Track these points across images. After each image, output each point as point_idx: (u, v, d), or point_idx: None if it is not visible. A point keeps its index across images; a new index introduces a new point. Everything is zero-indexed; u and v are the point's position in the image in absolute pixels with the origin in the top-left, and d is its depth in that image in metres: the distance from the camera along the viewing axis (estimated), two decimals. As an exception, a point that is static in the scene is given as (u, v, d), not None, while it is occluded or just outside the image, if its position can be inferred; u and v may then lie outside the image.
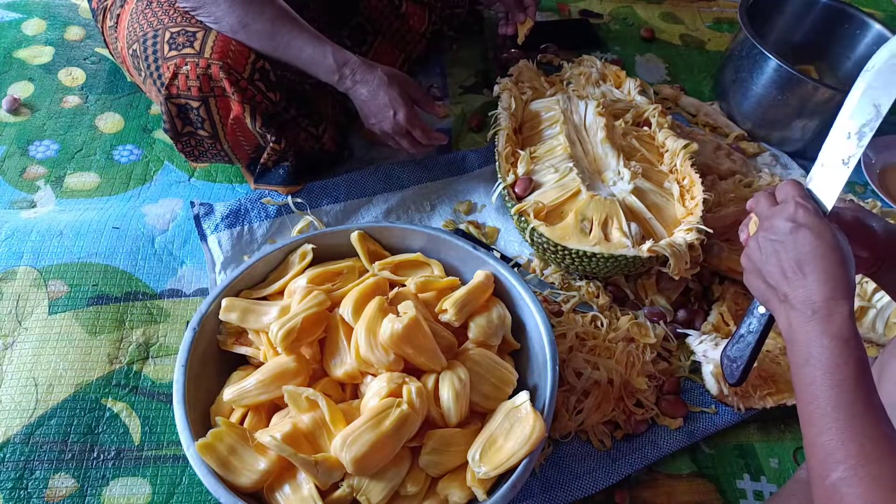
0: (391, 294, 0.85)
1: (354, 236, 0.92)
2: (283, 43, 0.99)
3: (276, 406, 0.82)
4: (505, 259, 1.11)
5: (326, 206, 1.15)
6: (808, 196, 0.71)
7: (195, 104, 0.99)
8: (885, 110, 0.71)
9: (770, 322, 0.74)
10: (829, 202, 0.72)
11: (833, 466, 0.56)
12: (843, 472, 0.55)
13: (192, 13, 0.99)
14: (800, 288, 0.65)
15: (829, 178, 0.72)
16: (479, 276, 0.89)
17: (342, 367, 0.81)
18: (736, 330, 0.79)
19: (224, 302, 0.83)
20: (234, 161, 1.13)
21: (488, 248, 1.13)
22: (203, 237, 1.09)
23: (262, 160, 1.11)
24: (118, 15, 1.09)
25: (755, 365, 0.93)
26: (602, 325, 1.03)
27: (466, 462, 0.75)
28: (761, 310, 0.75)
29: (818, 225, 0.67)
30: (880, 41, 1.39)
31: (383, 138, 1.13)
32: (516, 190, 1.08)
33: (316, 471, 0.71)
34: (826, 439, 0.58)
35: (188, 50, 0.96)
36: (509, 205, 1.07)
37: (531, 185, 1.08)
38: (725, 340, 0.98)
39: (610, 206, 1.02)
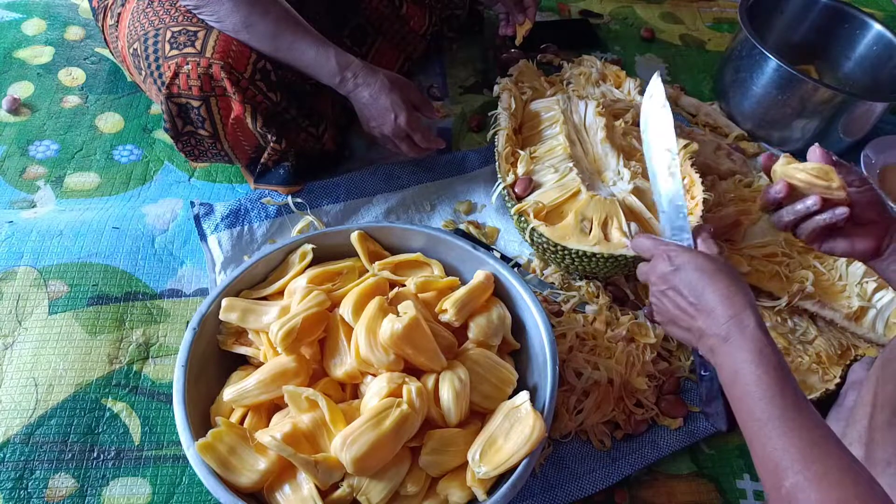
0: (391, 294, 0.85)
1: (354, 236, 0.92)
2: (285, 44, 0.99)
3: (276, 406, 0.82)
4: (505, 259, 1.11)
5: (326, 206, 1.15)
6: (669, 243, 0.79)
7: (196, 103, 0.99)
8: (676, 149, 0.84)
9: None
10: (688, 235, 0.82)
11: (783, 475, 0.58)
12: (793, 478, 0.58)
13: (195, 11, 0.98)
14: (706, 317, 0.70)
15: (674, 218, 0.83)
16: (479, 276, 0.89)
17: (342, 367, 0.81)
18: (699, 382, 0.84)
19: (224, 302, 0.83)
20: (234, 161, 1.13)
21: (488, 248, 1.13)
22: (203, 237, 1.09)
23: (262, 160, 1.11)
24: (119, 14, 1.09)
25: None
26: (592, 311, 1.03)
27: (466, 462, 0.75)
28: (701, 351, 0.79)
29: (692, 259, 0.73)
30: (880, 41, 1.39)
31: (382, 142, 1.14)
32: (516, 190, 1.08)
33: (316, 471, 0.71)
34: (770, 450, 0.60)
35: (189, 49, 0.96)
36: (509, 205, 1.07)
37: (531, 185, 1.08)
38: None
39: (610, 206, 1.02)
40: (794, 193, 0.78)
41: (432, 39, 1.40)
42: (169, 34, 0.98)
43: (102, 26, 1.16)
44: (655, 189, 0.86)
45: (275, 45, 0.99)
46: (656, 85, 0.87)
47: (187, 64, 0.96)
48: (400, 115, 1.07)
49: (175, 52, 0.97)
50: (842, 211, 0.75)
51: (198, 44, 0.97)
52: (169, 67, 0.97)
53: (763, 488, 0.64)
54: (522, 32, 1.36)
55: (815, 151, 0.77)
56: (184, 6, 0.99)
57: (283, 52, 1.00)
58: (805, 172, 0.76)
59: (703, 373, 0.83)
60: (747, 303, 0.69)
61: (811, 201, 0.76)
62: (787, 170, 0.78)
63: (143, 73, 1.02)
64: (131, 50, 1.04)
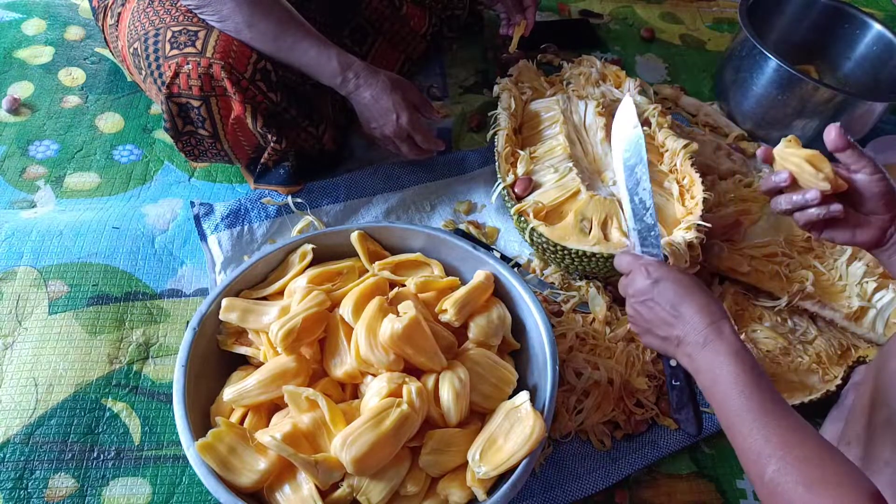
0: (391, 294, 0.85)
1: (354, 236, 0.92)
2: (287, 45, 0.99)
3: (276, 406, 0.82)
4: (505, 259, 1.11)
5: (326, 206, 1.15)
6: (647, 258, 0.85)
7: (196, 103, 0.99)
8: (646, 166, 0.88)
9: (684, 369, 0.81)
10: (659, 252, 0.87)
11: (766, 463, 0.62)
12: (776, 465, 0.62)
13: (196, 11, 0.98)
14: (685, 326, 0.76)
15: (645, 236, 0.88)
16: (479, 276, 0.89)
17: (342, 367, 0.81)
18: (668, 393, 0.92)
19: (224, 302, 0.83)
20: (234, 161, 1.13)
21: (488, 248, 1.13)
22: (203, 237, 1.09)
23: (262, 160, 1.11)
24: (119, 13, 1.09)
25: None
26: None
27: (466, 462, 0.75)
28: (672, 362, 0.88)
29: (669, 272, 0.80)
30: (880, 41, 1.39)
31: (383, 143, 1.14)
32: (516, 190, 1.08)
33: (316, 471, 0.71)
34: (752, 441, 0.65)
35: (190, 49, 0.96)
36: (509, 205, 1.07)
37: (531, 185, 1.08)
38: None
39: (609, 206, 1.02)
40: (795, 183, 0.78)
41: (432, 39, 1.40)
42: (169, 34, 0.98)
43: (102, 26, 1.16)
44: (626, 207, 0.90)
45: (276, 45, 0.99)
46: (627, 105, 0.91)
47: (188, 64, 0.96)
48: (402, 115, 1.07)
49: (175, 51, 0.97)
50: (836, 208, 0.76)
51: (198, 43, 0.97)
52: (169, 67, 0.97)
53: (749, 479, 0.68)
54: (518, 36, 1.36)
55: (830, 132, 0.73)
56: (185, 6, 0.99)
57: (285, 52, 1.00)
58: (798, 157, 0.76)
59: (674, 382, 0.90)
60: (722, 313, 0.75)
61: (811, 195, 0.76)
62: (785, 153, 0.78)
63: (144, 72, 1.02)
64: (131, 50, 1.04)
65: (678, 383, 0.90)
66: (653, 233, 0.87)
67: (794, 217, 0.80)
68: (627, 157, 0.89)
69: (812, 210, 0.77)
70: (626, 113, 0.91)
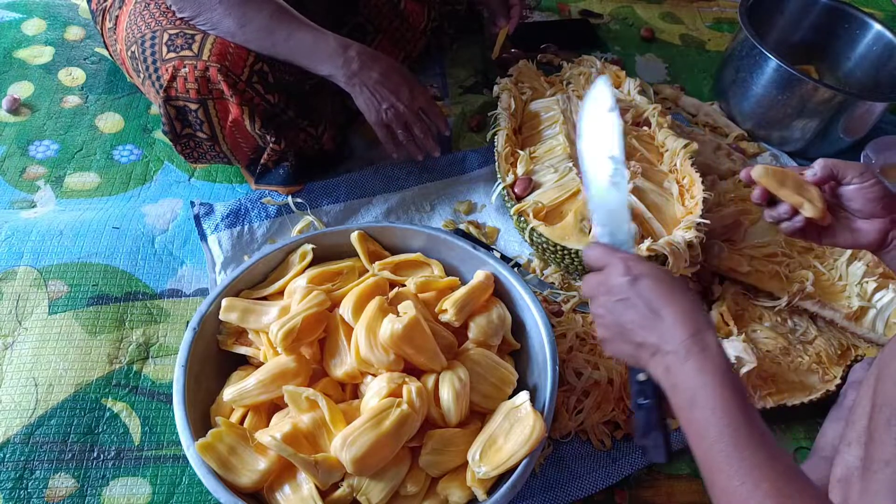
0: (391, 294, 0.85)
1: (354, 236, 0.92)
2: (282, 37, 0.98)
3: (276, 406, 0.82)
4: (505, 259, 1.11)
5: (326, 206, 1.15)
6: (624, 252, 0.71)
7: (194, 106, 0.99)
8: (621, 155, 0.74)
9: (655, 386, 0.69)
10: (632, 250, 0.74)
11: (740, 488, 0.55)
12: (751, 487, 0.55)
13: (192, 22, 0.98)
14: (665, 332, 0.64)
15: (615, 232, 0.74)
16: (479, 276, 0.89)
17: (342, 367, 0.81)
18: (634, 415, 0.74)
19: (224, 302, 0.83)
20: (234, 162, 1.13)
21: (488, 248, 1.13)
22: (203, 237, 1.09)
23: (262, 160, 1.11)
24: (117, 16, 1.09)
25: (738, 358, 0.95)
26: None
27: (466, 462, 0.75)
28: (641, 377, 0.71)
29: (651, 270, 0.68)
30: (880, 41, 1.39)
31: (385, 139, 1.11)
32: (516, 190, 1.08)
33: (316, 471, 0.71)
34: (737, 484, 0.56)
35: (186, 52, 0.96)
36: (509, 205, 1.07)
37: (531, 185, 1.08)
38: (725, 340, 0.98)
39: (610, 206, 1.02)
40: (773, 197, 0.81)
41: (432, 36, 1.40)
42: (166, 36, 0.98)
43: (101, 29, 1.16)
44: (592, 200, 0.76)
45: (272, 40, 0.98)
46: (601, 88, 0.78)
47: (184, 67, 0.96)
48: (415, 87, 1.05)
49: (172, 54, 0.97)
50: (799, 219, 0.79)
51: (195, 46, 0.97)
52: (166, 70, 0.96)
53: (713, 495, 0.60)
54: (501, 40, 1.35)
55: (815, 167, 0.79)
56: (180, 18, 0.99)
57: (281, 44, 0.99)
58: (772, 181, 0.81)
59: (641, 401, 0.72)
60: (708, 323, 0.66)
61: (783, 209, 0.80)
62: (761, 180, 0.82)
63: (142, 75, 1.02)
64: (129, 53, 1.03)
65: (647, 402, 0.71)
66: (624, 228, 0.75)
67: (779, 229, 0.83)
68: (596, 144, 0.76)
69: (785, 224, 0.80)
70: (600, 97, 0.77)
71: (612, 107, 0.76)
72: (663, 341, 0.64)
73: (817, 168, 0.78)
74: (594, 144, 0.76)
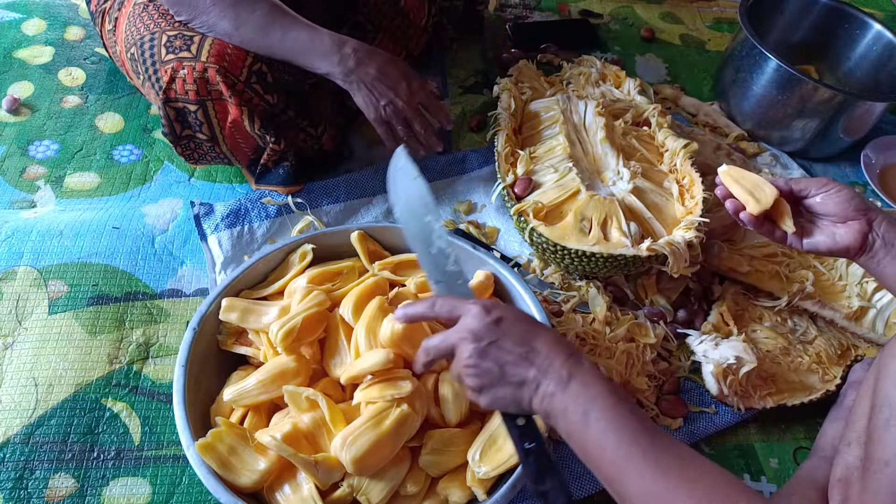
0: (391, 294, 0.85)
1: (354, 236, 0.92)
2: (278, 35, 0.98)
3: (276, 406, 0.82)
4: (505, 259, 1.11)
5: (326, 206, 1.15)
6: (472, 299, 0.71)
7: (193, 107, 0.99)
8: (438, 214, 0.76)
9: (535, 428, 0.68)
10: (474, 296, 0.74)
11: None
12: None
13: (189, 24, 0.99)
14: (542, 362, 0.64)
15: (452, 287, 0.74)
16: (479, 276, 0.89)
17: (342, 367, 0.81)
18: (522, 466, 0.68)
19: (224, 302, 0.83)
20: (234, 162, 1.13)
21: (488, 248, 1.13)
22: (203, 237, 1.09)
23: (261, 160, 1.11)
24: (116, 18, 1.09)
25: (738, 358, 0.95)
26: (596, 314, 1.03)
27: (466, 462, 0.75)
28: (520, 421, 0.68)
29: (509, 308, 0.68)
30: (880, 41, 1.39)
31: (385, 136, 1.10)
32: (516, 190, 1.08)
33: (316, 471, 0.71)
34: (650, 482, 0.57)
35: (185, 53, 0.96)
36: (509, 205, 1.07)
37: (531, 185, 1.08)
38: (725, 340, 0.98)
39: (609, 206, 1.02)
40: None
41: (433, 32, 1.39)
42: (165, 38, 0.98)
43: (101, 31, 1.16)
44: (424, 261, 0.76)
45: (268, 39, 0.98)
46: (402, 158, 0.79)
47: (183, 68, 0.96)
48: (413, 80, 1.04)
49: (171, 56, 0.97)
50: (744, 214, 0.84)
51: (193, 48, 0.97)
52: (165, 72, 0.96)
53: None
54: None
55: (780, 180, 0.85)
56: (178, 21, 0.99)
57: (277, 44, 0.98)
58: (737, 186, 0.86)
59: (527, 445, 0.67)
60: (571, 346, 0.66)
61: (729, 205, 0.86)
62: (726, 178, 0.88)
63: (141, 77, 1.02)
64: (129, 55, 1.03)
65: (533, 445, 0.67)
66: (459, 281, 0.74)
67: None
68: (412, 211, 0.77)
69: (741, 219, 0.85)
70: (403, 166, 0.78)
71: (416, 174, 0.77)
72: (542, 372, 0.64)
73: (782, 182, 0.84)
74: (410, 212, 0.77)
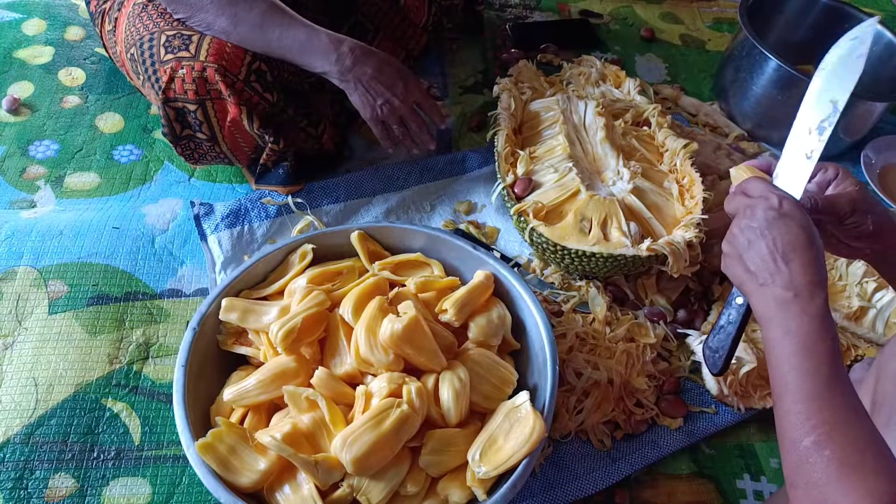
0: (391, 294, 0.85)
1: (354, 236, 0.92)
2: (275, 34, 0.98)
3: (276, 406, 0.82)
4: (505, 259, 1.11)
5: (326, 206, 1.15)
6: (780, 189, 0.73)
7: (192, 107, 0.99)
8: (841, 106, 0.76)
9: (748, 313, 0.75)
10: (797, 195, 0.74)
11: (808, 431, 0.59)
12: (817, 437, 0.59)
13: (187, 22, 0.99)
14: (783, 273, 0.67)
15: (794, 173, 0.77)
16: (479, 276, 0.89)
17: (342, 367, 0.81)
18: (717, 321, 0.79)
19: (224, 302, 0.83)
20: (234, 162, 1.13)
21: (488, 248, 1.13)
22: (203, 237, 1.09)
23: (261, 160, 1.11)
24: (116, 19, 1.09)
25: (738, 358, 0.95)
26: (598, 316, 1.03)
27: (466, 462, 0.75)
28: (739, 300, 0.76)
29: (801, 215, 0.69)
30: (880, 41, 1.39)
31: (382, 136, 1.11)
32: (516, 190, 1.08)
33: (316, 471, 0.71)
34: (803, 407, 0.61)
35: (184, 53, 0.96)
36: (509, 205, 1.07)
37: (531, 185, 1.08)
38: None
39: (609, 206, 1.02)
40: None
41: (433, 31, 1.39)
42: (164, 38, 0.98)
43: (101, 32, 1.16)
44: (795, 129, 0.80)
45: (265, 38, 0.98)
46: (867, 32, 0.80)
47: (182, 68, 0.96)
48: (409, 80, 1.05)
49: (170, 56, 0.97)
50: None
51: (192, 47, 0.97)
52: (164, 72, 0.96)
53: (780, 441, 0.63)
54: None
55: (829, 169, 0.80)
56: (176, 18, 0.99)
57: (275, 42, 0.98)
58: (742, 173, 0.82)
59: (727, 320, 0.77)
60: (825, 283, 0.67)
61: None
62: (736, 176, 0.82)
63: (141, 77, 1.02)
64: (128, 55, 1.03)
65: (729, 325, 0.77)
66: (802, 167, 0.77)
67: None
68: (827, 78, 0.77)
69: None
70: (861, 39, 0.78)
71: (861, 54, 0.77)
72: (776, 280, 0.67)
73: (831, 172, 0.79)
74: (823, 85, 0.77)
